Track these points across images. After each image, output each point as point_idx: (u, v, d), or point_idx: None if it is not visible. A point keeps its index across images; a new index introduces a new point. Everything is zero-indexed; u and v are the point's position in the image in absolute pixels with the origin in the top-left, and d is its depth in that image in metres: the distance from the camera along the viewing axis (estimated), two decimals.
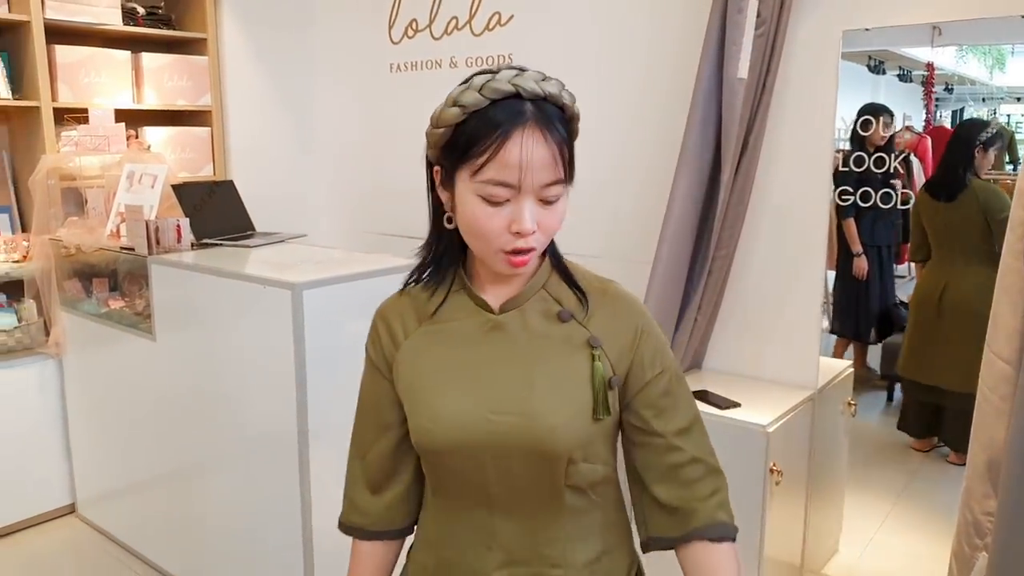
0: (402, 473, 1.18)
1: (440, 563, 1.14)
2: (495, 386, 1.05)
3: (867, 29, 2.50)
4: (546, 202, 1.00)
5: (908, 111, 6.03)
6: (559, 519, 1.08)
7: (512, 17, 3.38)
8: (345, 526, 1.23)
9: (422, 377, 1.09)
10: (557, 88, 1.01)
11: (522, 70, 1.00)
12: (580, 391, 1.05)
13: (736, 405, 2.51)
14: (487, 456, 1.05)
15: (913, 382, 3.94)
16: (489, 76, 1.00)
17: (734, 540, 1.10)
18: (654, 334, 1.11)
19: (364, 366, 1.20)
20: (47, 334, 3.28)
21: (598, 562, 1.12)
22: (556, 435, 1.02)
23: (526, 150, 0.96)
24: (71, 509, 3.44)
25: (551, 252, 1.12)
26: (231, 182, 3.34)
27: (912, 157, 6.23)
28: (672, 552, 1.12)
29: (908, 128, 6.00)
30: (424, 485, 1.19)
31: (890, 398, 4.66)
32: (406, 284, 1.16)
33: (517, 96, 0.98)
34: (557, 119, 1.00)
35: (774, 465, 2.35)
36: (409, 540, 1.24)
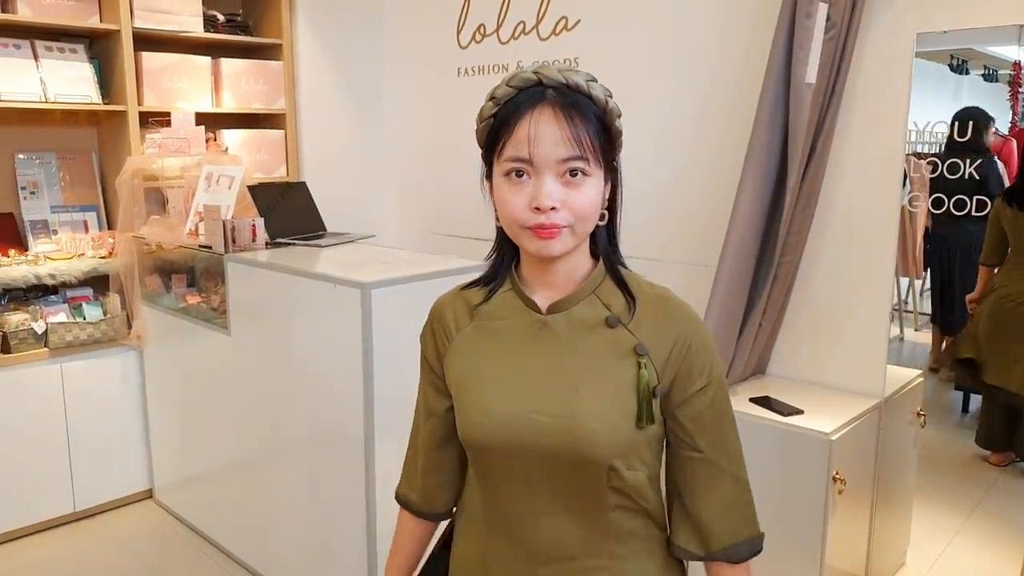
0: (445, 461, 1.23)
1: (487, 550, 1.16)
2: (541, 386, 1.07)
3: (944, 31, 2.44)
4: (569, 180, 1.02)
5: (993, 112, 5.81)
6: (602, 521, 1.09)
7: (579, 22, 3.40)
8: (399, 497, 1.31)
9: (473, 374, 1.12)
10: (583, 79, 1.04)
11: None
12: (624, 398, 1.05)
13: (799, 412, 2.48)
14: (532, 455, 1.07)
15: (988, 387, 3.82)
16: (519, 71, 1.05)
17: (757, 553, 1.14)
18: (705, 345, 1.10)
19: (420, 360, 1.24)
20: (129, 327, 3.43)
21: (650, 570, 1.13)
22: (596, 440, 1.03)
23: (534, 124, 1.00)
24: (148, 494, 3.60)
25: (606, 254, 1.12)
26: (304, 183, 3.45)
27: (996, 160, 6.00)
28: None
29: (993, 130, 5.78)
30: (465, 475, 1.23)
31: (965, 409, 4.53)
32: (468, 284, 1.20)
33: (540, 84, 1.03)
34: (584, 106, 1.02)
35: (837, 473, 2.32)
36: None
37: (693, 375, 1.08)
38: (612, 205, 1.12)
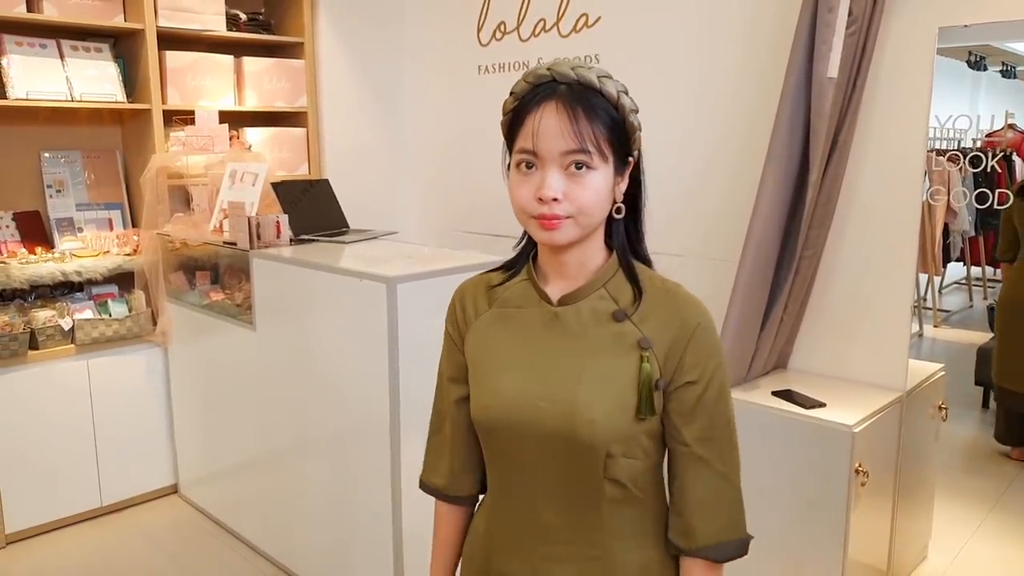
0: (472, 444, 1.25)
1: (492, 531, 1.21)
2: (547, 375, 1.11)
3: (966, 26, 2.45)
4: (573, 173, 1.05)
5: (1011, 108, 5.81)
6: (599, 508, 1.12)
7: (599, 19, 3.42)
8: (424, 485, 1.33)
9: (487, 357, 1.18)
10: (594, 75, 1.07)
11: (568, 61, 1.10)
12: (625, 390, 1.08)
13: (821, 405, 2.49)
14: (533, 440, 1.11)
15: (1004, 389, 3.82)
16: (537, 67, 1.10)
17: (742, 555, 1.13)
18: (706, 340, 1.10)
19: (443, 341, 1.28)
20: (154, 324, 3.47)
21: (644, 562, 1.14)
22: (594, 429, 1.07)
23: (538, 117, 1.05)
24: (173, 489, 3.64)
25: (620, 248, 1.15)
26: (327, 181, 3.48)
27: (1015, 157, 5.99)
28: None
29: (1011, 126, 5.77)
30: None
31: (985, 404, 4.52)
32: (492, 268, 1.25)
33: (553, 80, 1.07)
34: (592, 101, 1.06)
35: (859, 466, 2.33)
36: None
37: (685, 368, 1.09)
38: (633, 199, 1.15)
